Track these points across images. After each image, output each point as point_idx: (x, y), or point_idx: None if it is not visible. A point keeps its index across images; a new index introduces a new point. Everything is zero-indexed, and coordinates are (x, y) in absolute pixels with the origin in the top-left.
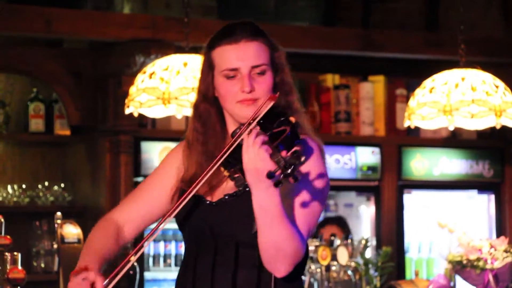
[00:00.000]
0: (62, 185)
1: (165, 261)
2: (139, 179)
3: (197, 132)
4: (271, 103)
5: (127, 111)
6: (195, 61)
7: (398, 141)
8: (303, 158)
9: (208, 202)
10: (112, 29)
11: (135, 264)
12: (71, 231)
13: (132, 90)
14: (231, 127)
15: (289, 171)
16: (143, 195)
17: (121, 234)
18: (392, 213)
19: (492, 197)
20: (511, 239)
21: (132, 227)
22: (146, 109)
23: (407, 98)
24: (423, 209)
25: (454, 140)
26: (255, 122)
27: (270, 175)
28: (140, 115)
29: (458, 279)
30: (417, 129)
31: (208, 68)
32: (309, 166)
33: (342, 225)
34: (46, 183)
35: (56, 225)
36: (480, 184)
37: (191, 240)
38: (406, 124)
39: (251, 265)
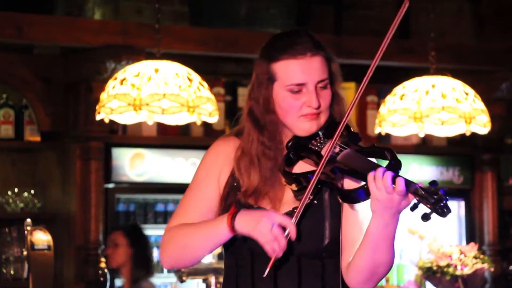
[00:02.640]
0: (32, 191)
1: None
2: (110, 185)
3: (265, 146)
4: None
5: (98, 117)
6: (167, 67)
7: None
8: (446, 190)
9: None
10: (83, 35)
11: (106, 270)
12: (41, 237)
13: (103, 96)
14: (284, 139)
15: (438, 205)
16: (195, 208)
17: None
18: None
19: (462, 203)
20: (481, 245)
21: None
22: (117, 115)
23: (378, 105)
24: None
25: (425, 146)
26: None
27: (413, 208)
28: (111, 121)
29: (429, 285)
30: (388, 136)
31: (268, 80)
32: None
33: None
34: (16, 190)
35: (25, 232)
36: (450, 190)
37: (243, 252)
38: (377, 131)
39: (315, 275)
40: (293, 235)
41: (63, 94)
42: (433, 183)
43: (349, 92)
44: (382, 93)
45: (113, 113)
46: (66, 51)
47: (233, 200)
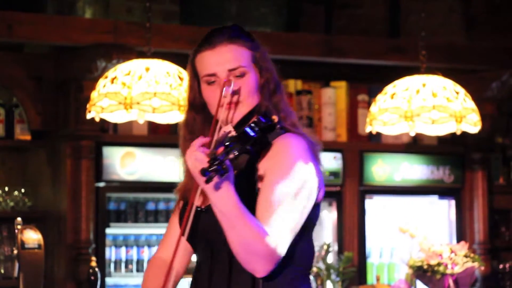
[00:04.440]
0: (23, 190)
1: (126, 266)
2: (101, 184)
3: (185, 140)
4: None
5: (88, 116)
6: (157, 66)
7: (360, 146)
8: (234, 152)
9: (199, 209)
10: (73, 33)
11: (97, 269)
12: (32, 236)
13: (94, 95)
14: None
15: (215, 166)
16: (173, 230)
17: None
18: (354, 218)
19: (453, 202)
20: (471, 244)
21: (180, 260)
22: (107, 114)
23: (368, 104)
24: (384, 214)
25: (415, 145)
26: (218, 125)
27: (202, 173)
28: (102, 120)
29: (419, 284)
30: (378, 134)
31: (194, 77)
32: (276, 162)
33: None
34: (6, 188)
35: (16, 231)
36: (440, 189)
37: (199, 249)
38: (368, 129)
39: (244, 270)
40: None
41: (54, 93)
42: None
43: (340, 91)
44: (373, 92)
45: (103, 112)
46: (57, 50)
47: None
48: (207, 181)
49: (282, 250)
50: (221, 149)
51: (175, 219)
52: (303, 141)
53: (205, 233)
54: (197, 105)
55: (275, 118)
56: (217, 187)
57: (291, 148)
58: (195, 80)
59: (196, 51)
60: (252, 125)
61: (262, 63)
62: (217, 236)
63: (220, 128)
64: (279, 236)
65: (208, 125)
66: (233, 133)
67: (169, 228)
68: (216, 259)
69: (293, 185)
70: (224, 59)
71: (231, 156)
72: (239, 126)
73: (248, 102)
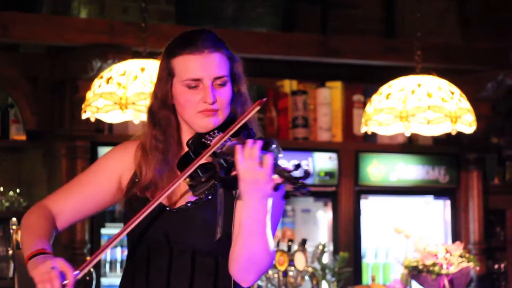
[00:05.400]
0: (18, 190)
1: (122, 266)
2: None
3: (157, 140)
4: (258, 108)
5: (83, 116)
6: (153, 66)
7: (355, 147)
8: (308, 172)
9: (168, 209)
10: (69, 33)
11: (92, 269)
12: None
13: (89, 95)
14: (186, 135)
15: (298, 184)
16: (81, 189)
17: (54, 223)
18: (349, 218)
19: (448, 202)
20: (466, 244)
21: (63, 219)
22: (103, 114)
23: (364, 104)
24: (380, 214)
25: (411, 146)
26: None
27: (276, 188)
28: (97, 120)
29: (414, 284)
30: (374, 135)
31: (167, 75)
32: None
33: None
34: (1, 189)
35: (11, 231)
36: (436, 189)
37: (141, 247)
38: (363, 130)
39: (208, 274)
40: (71, 286)
41: (49, 93)
42: (297, 166)
43: (335, 91)
44: (368, 92)
45: (99, 112)
46: (52, 50)
47: (132, 195)
48: (287, 197)
49: (271, 264)
50: (281, 163)
51: (92, 186)
52: None
53: (171, 233)
54: (169, 105)
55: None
56: (268, 196)
57: None
58: (169, 79)
59: (175, 51)
60: (274, 146)
61: (237, 74)
62: (183, 238)
63: (214, 135)
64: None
65: (183, 125)
66: (274, 144)
67: (75, 186)
68: (177, 259)
69: (279, 201)
70: (211, 65)
71: (309, 173)
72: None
73: (225, 111)
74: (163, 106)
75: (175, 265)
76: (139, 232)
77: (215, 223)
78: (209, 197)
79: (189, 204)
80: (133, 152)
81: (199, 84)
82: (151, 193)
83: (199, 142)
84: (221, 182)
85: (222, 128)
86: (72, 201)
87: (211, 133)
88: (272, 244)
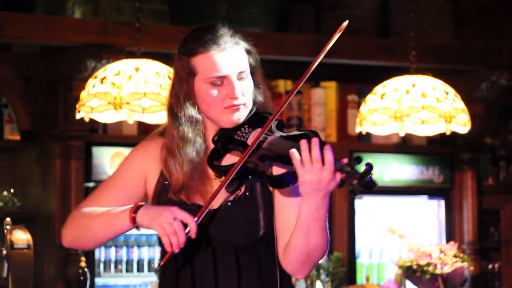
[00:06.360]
0: (12, 190)
1: (116, 266)
2: (90, 184)
3: (182, 140)
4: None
5: (78, 116)
6: (147, 66)
7: (350, 147)
8: (371, 165)
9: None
10: (63, 33)
11: (86, 269)
12: (21, 237)
13: (83, 95)
14: (210, 132)
15: (364, 179)
16: (111, 194)
17: None
18: (344, 218)
19: (442, 202)
20: (460, 244)
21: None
22: (97, 114)
23: (358, 104)
24: (374, 214)
25: (405, 146)
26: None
27: (340, 185)
28: (91, 120)
29: (409, 284)
30: (368, 135)
31: (188, 75)
32: None
33: None
34: None
35: (5, 231)
36: (430, 189)
37: (184, 247)
38: (358, 130)
39: (252, 269)
40: (193, 233)
41: (43, 93)
42: (357, 158)
43: (330, 91)
44: (363, 92)
45: (93, 112)
46: (46, 50)
47: (165, 199)
48: (354, 194)
49: None
50: (345, 160)
51: (134, 189)
52: None
53: (211, 232)
54: (191, 104)
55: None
56: (330, 193)
57: None
58: (190, 78)
59: (195, 49)
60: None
61: (254, 65)
62: (225, 237)
63: (245, 131)
64: None
65: (207, 121)
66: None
67: (105, 192)
68: (221, 258)
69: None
70: (234, 61)
71: (372, 167)
72: (237, 128)
73: (248, 104)
74: (185, 105)
75: (221, 264)
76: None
77: (255, 218)
78: (247, 193)
79: (229, 203)
80: (156, 152)
81: (223, 80)
82: (184, 195)
83: (226, 137)
84: (269, 181)
85: (251, 121)
86: (106, 206)
87: (242, 128)
88: (328, 236)
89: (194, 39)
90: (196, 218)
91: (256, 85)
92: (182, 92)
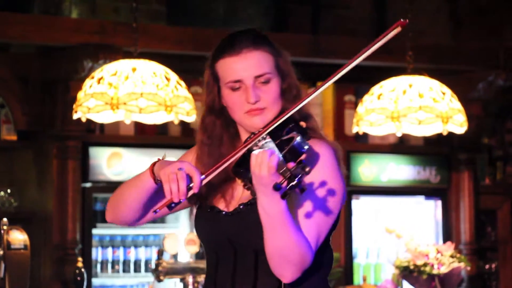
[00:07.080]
0: (9, 190)
1: (113, 267)
2: (87, 184)
3: (203, 144)
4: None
5: (75, 116)
6: (144, 66)
7: (347, 147)
8: (308, 169)
9: (224, 212)
10: (60, 33)
11: (83, 270)
12: (18, 237)
13: (80, 95)
14: (244, 135)
15: (294, 182)
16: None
17: None
18: (341, 219)
19: (439, 202)
20: (457, 244)
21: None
22: (94, 115)
23: (355, 105)
24: (371, 214)
25: (402, 146)
26: (264, 131)
27: (276, 187)
28: (88, 120)
29: (405, 284)
30: (365, 135)
31: (213, 81)
32: (314, 174)
33: None
34: None
35: (2, 231)
36: (427, 190)
37: (211, 252)
38: (355, 130)
39: (271, 272)
40: (196, 188)
41: (40, 93)
42: (298, 163)
43: (326, 91)
44: (360, 93)
45: (90, 112)
46: (43, 50)
47: (194, 202)
48: (283, 197)
49: (312, 259)
50: (290, 163)
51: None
52: (330, 148)
53: (232, 235)
54: (216, 109)
55: (303, 124)
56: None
57: (325, 159)
58: (215, 84)
59: (217, 55)
60: (299, 140)
61: (284, 68)
62: (243, 239)
63: (252, 137)
64: (313, 246)
65: (229, 128)
66: (298, 138)
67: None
68: (241, 260)
69: (330, 197)
70: (250, 65)
71: (307, 170)
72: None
73: (273, 108)
74: (210, 112)
75: (239, 266)
76: (206, 239)
77: None
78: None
79: (241, 206)
80: (192, 160)
81: (241, 85)
82: (211, 200)
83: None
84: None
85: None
86: None
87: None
88: (303, 238)
89: (218, 45)
90: (203, 176)
91: (286, 89)
92: (208, 98)
